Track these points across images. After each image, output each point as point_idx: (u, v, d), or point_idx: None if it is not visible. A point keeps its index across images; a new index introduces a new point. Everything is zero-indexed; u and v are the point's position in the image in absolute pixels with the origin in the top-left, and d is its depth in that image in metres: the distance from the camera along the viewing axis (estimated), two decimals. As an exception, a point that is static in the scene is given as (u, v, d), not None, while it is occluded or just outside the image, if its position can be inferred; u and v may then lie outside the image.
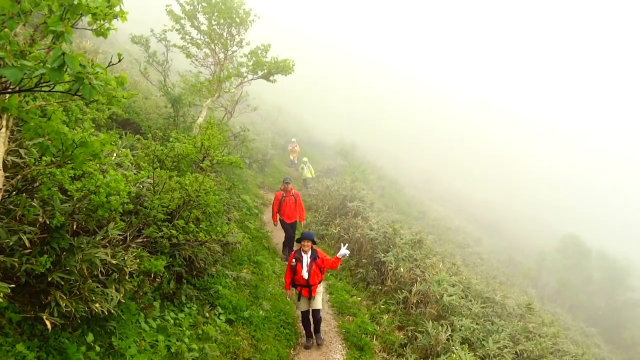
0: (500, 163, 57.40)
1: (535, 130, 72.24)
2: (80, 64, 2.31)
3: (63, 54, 2.16)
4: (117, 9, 3.34)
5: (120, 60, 2.72)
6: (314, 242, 6.71)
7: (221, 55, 12.29)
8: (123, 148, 7.32)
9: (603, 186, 60.57)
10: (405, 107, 59.93)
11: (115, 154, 5.95)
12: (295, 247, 9.55)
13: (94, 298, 3.94)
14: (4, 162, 3.64)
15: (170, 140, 8.11)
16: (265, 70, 12.68)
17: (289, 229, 10.13)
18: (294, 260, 6.52)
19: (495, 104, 74.15)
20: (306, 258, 6.52)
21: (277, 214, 10.01)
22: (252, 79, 12.77)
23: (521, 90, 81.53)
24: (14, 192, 4.11)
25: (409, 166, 41.48)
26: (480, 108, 70.41)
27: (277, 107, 31.10)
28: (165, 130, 10.08)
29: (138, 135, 8.20)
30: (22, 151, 4.51)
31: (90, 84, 2.24)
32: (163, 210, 5.63)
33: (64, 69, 2.21)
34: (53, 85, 2.20)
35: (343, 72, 59.30)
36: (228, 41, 12.09)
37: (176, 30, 11.72)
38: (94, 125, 6.72)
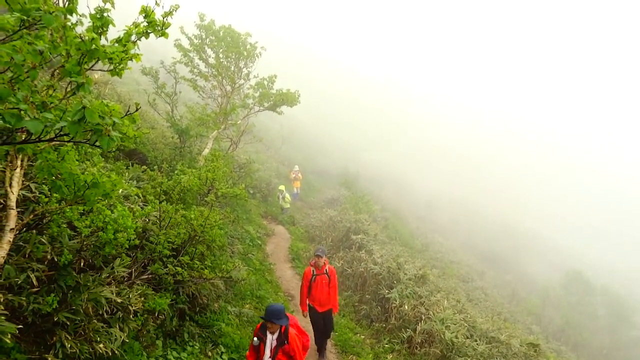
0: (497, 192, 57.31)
1: (539, 146, 72.12)
2: (99, 115, 2.39)
3: (84, 107, 2.24)
4: (132, 51, 3.47)
5: (137, 110, 2.80)
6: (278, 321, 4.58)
7: (228, 88, 12.52)
8: (130, 180, 7.42)
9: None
10: (413, 132, 60.18)
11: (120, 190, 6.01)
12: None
13: (98, 338, 3.92)
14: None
15: (176, 172, 8.20)
16: (272, 102, 12.92)
17: (319, 320, 7.16)
18: (256, 338, 4.61)
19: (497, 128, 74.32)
20: (271, 339, 4.61)
21: (307, 300, 7.14)
22: (258, 111, 12.97)
23: (525, 106, 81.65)
24: (24, 229, 4.15)
25: (412, 194, 41.49)
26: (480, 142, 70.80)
27: (281, 136, 31.44)
28: (171, 161, 10.18)
29: (144, 167, 8.30)
30: (32, 185, 4.58)
31: (108, 135, 2.31)
32: (168, 246, 5.65)
33: (84, 122, 2.28)
34: (72, 136, 2.26)
35: (347, 97, 59.90)
36: (235, 74, 12.34)
37: (184, 64, 11.98)
38: (102, 157, 6.84)
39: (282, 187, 17.97)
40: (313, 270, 7.11)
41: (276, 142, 31.28)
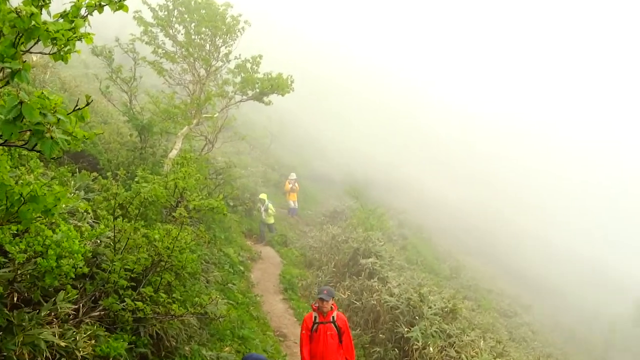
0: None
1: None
2: (40, 112, 2.43)
3: (20, 102, 2.28)
4: (81, 29, 3.50)
5: (89, 104, 2.85)
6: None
7: (202, 72, 12.61)
8: (76, 190, 7.46)
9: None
10: (432, 132, 60.65)
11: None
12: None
13: (36, 394, 3.94)
14: None
15: (136, 179, 8.24)
16: (257, 90, 12.98)
17: None
18: None
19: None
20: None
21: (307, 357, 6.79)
22: (240, 101, 13.05)
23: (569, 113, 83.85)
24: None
25: (435, 207, 41.57)
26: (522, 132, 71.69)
27: (269, 133, 31.59)
28: (129, 165, 10.24)
29: (95, 173, 8.34)
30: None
31: (51, 137, 2.35)
32: (126, 275, 5.68)
33: (21, 120, 2.32)
34: (6, 139, 2.30)
35: (353, 90, 60.29)
36: (211, 54, 12.43)
37: (146, 43, 12.06)
38: (40, 162, 6.89)
39: (263, 196, 17.84)
40: (315, 317, 6.84)
41: (263, 140, 31.43)
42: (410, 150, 53.56)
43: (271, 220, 17.52)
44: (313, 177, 31.70)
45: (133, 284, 5.87)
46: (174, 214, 7.90)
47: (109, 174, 8.28)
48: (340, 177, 32.94)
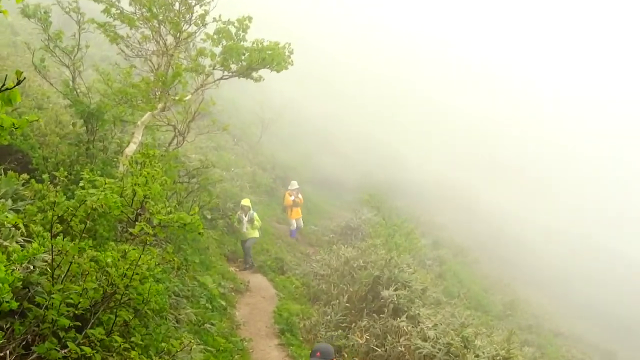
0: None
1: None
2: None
3: None
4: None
5: (20, 82, 2.84)
6: None
7: (169, 39, 12.60)
8: (1, 199, 7.47)
9: None
10: (477, 126, 60.92)
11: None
12: None
13: None
14: None
15: (81, 184, 8.22)
16: (244, 63, 12.97)
17: None
18: None
19: None
20: None
21: None
22: (221, 78, 13.05)
23: None
24: None
25: (481, 219, 41.52)
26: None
27: (260, 121, 31.56)
28: (72, 165, 10.23)
29: (26, 175, 8.33)
30: None
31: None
32: (68, 312, 5.67)
33: None
34: None
35: (368, 71, 60.51)
36: (181, 16, 12.43)
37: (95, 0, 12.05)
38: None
39: (246, 202, 17.72)
40: None
41: (252, 130, 31.47)
42: (450, 150, 53.60)
43: (255, 234, 17.44)
44: (318, 180, 31.75)
45: (78, 323, 5.85)
46: (132, 230, 7.90)
47: (45, 176, 8.28)
48: (354, 181, 33.00)
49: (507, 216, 46.48)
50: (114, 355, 5.87)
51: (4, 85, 2.84)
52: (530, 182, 56.94)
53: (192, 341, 7.59)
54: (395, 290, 13.77)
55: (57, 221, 6.83)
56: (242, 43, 12.79)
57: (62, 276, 5.97)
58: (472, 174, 50.40)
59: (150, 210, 8.45)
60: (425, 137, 54.33)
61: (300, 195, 22.33)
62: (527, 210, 50.12)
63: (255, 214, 17.31)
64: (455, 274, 24.01)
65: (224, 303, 12.62)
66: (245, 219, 17.18)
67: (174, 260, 9.33)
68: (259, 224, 17.41)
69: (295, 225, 22.03)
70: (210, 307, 11.77)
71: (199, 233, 8.85)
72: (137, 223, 7.99)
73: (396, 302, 13.38)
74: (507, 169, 57.02)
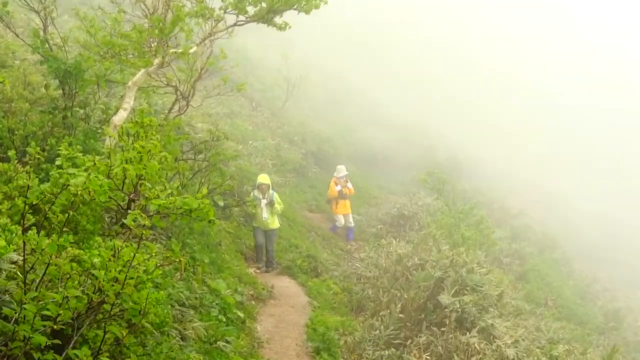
0: None
1: None
2: None
3: None
4: None
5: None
6: None
7: (168, -26, 12.60)
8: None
9: None
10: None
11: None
12: None
13: None
14: None
15: (58, 162, 8.27)
16: (263, 4, 12.92)
17: None
18: None
19: None
20: None
21: None
22: (234, 25, 13.02)
23: None
24: None
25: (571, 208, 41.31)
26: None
27: (284, 82, 31.47)
28: (46, 139, 10.29)
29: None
30: None
31: None
32: (44, 327, 5.71)
33: None
34: None
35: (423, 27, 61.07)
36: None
37: None
38: None
39: (264, 178, 17.13)
40: None
41: (274, 94, 31.42)
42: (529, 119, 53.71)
43: (277, 223, 17.25)
44: (362, 156, 31.71)
45: (57, 341, 5.89)
46: (124, 221, 7.93)
47: (11, 152, 8.33)
48: (408, 157, 32.84)
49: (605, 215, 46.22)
50: (103, 380, 5.90)
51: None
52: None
53: (202, 362, 7.64)
54: (463, 296, 13.65)
55: (29, 211, 6.87)
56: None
57: (37, 281, 5.99)
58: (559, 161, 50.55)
59: (146, 195, 8.48)
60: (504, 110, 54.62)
61: (349, 185, 22.24)
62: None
63: (276, 194, 17.07)
64: (540, 275, 23.80)
65: (241, 314, 12.60)
66: (264, 201, 16.90)
67: (178, 259, 9.32)
68: (280, 208, 17.20)
69: (342, 222, 22.00)
70: (225, 319, 11.77)
71: (210, 221, 8.84)
72: (129, 212, 8.01)
73: (462, 311, 13.26)
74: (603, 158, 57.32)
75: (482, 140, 47.20)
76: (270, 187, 17.01)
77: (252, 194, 17.18)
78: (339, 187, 21.87)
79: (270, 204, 16.77)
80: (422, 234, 19.10)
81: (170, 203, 8.29)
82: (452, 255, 15.75)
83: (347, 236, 22.03)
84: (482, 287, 14.52)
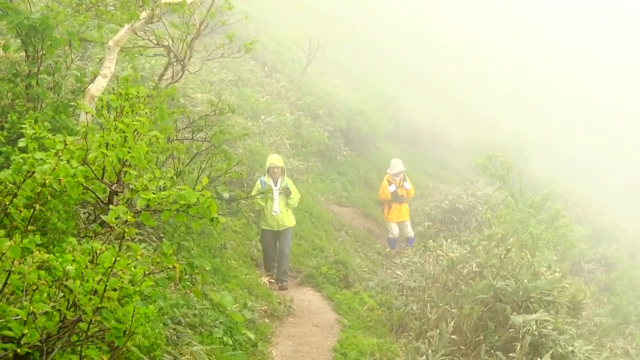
0: None
1: None
2: None
3: None
4: None
5: None
6: None
7: None
8: None
9: None
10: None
11: None
12: None
13: None
14: None
15: (21, 144, 8.32)
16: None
17: None
18: None
19: None
20: None
21: None
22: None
23: None
24: None
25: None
26: None
27: (304, 38, 31.45)
28: (5, 113, 10.35)
29: None
30: None
31: None
32: (6, 350, 5.77)
33: None
34: None
35: None
36: None
37: None
38: None
39: (276, 159, 16.44)
40: None
41: (292, 56, 31.43)
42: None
43: (290, 222, 16.62)
44: (405, 136, 31.70)
45: (21, 370, 5.96)
46: (103, 218, 7.97)
47: (-38, 132, 8.40)
48: (464, 137, 32.79)
49: None
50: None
51: None
52: None
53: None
54: (534, 313, 13.59)
55: (-14, 205, 6.93)
56: None
57: (-6, 294, 6.04)
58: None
59: (132, 186, 8.50)
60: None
61: (407, 184, 21.70)
62: None
63: (291, 182, 16.82)
64: (632, 286, 23.67)
65: (252, 336, 12.59)
66: (276, 189, 16.42)
67: (173, 265, 9.33)
68: (297, 199, 16.76)
69: (395, 233, 21.50)
70: (231, 342, 11.82)
71: (212, 220, 8.83)
72: (111, 207, 8.04)
73: (535, 333, 13.19)
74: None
75: (560, 120, 47.34)
76: (285, 171, 16.51)
77: (260, 179, 16.60)
78: (392, 187, 21.31)
79: (286, 192, 16.34)
80: (482, 234, 18.95)
81: (163, 197, 8.30)
82: (518, 261, 15.70)
83: (391, 244, 21.63)
84: (558, 301, 14.46)
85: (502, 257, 15.77)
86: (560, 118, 52.38)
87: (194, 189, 8.37)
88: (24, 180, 6.97)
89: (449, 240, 18.77)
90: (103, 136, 8.26)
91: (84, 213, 8.97)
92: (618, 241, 28.32)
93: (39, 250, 6.37)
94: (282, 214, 16.28)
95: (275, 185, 16.29)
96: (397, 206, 21.36)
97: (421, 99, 36.81)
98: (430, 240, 19.26)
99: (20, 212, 6.83)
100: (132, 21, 12.02)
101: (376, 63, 39.79)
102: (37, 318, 5.94)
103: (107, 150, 8.19)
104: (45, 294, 6.13)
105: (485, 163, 25.34)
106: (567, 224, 22.72)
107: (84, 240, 7.29)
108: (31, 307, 5.93)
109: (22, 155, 7.24)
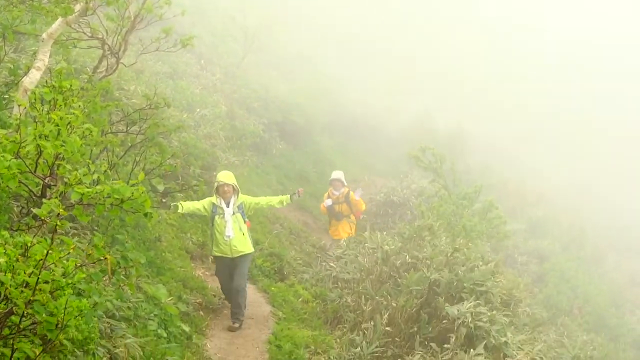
0: None
1: None
2: None
3: None
4: None
5: None
6: None
7: None
8: None
9: None
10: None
11: None
12: None
13: None
14: None
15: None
16: None
17: None
18: None
19: None
20: None
21: None
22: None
23: None
24: None
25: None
26: None
27: (240, 30, 31.35)
28: None
29: None
30: None
31: None
32: None
33: None
34: None
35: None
36: None
37: None
38: None
39: (226, 177, 14.68)
40: None
41: (228, 48, 31.35)
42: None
43: (246, 247, 14.65)
44: (342, 127, 31.75)
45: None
46: (36, 211, 7.92)
47: None
48: (400, 129, 32.89)
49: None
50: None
51: None
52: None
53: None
54: (466, 303, 13.62)
55: None
56: None
57: None
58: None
59: (66, 179, 8.45)
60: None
61: (356, 194, 20.17)
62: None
63: (247, 199, 15.08)
64: (564, 277, 23.87)
65: (186, 328, 12.54)
66: (229, 211, 14.49)
67: (106, 258, 9.28)
68: (262, 204, 15.44)
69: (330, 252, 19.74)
70: (165, 334, 11.77)
71: (145, 215, 8.78)
72: (44, 200, 8.00)
73: (468, 323, 13.13)
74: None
75: (492, 114, 47.75)
76: (239, 192, 14.73)
77: (209, 201, 14.75)
78: (328, 202, 20.16)
79: (240, 210, 14.64)
80: (416, 225, 18.93)
81: (96, 191, 8.24)
82: (452, 250, 15.74)
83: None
84: (491, 291, 14.55)
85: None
86: (507, 113, 52.97)
87: (128, 182, 8.33)
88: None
89: (384, 232, 18.84)
90: (37, 129, 8.19)
91: (17, 206, 8.90)
92: (553, 234, 28.60)
93: (-32, 243, 6.31)
94: (236, 238, 14.36)
95: (228, 206, 14.50)
96: (335, 222, 20.38)
97: (363, 91, 36.89)
98: (366, 232, 19.21)
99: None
100: (67, 14, 11.94)
101: (314, 53, 39.83)
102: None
103: (41, 143, 8.13)
104: (-24, 287, 6.08)
105: (418, 155, 25.47)
106: (501, 216, 22.90)
107: (16, 233, 7.21)
108: (-38, 301, 5.89)
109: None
